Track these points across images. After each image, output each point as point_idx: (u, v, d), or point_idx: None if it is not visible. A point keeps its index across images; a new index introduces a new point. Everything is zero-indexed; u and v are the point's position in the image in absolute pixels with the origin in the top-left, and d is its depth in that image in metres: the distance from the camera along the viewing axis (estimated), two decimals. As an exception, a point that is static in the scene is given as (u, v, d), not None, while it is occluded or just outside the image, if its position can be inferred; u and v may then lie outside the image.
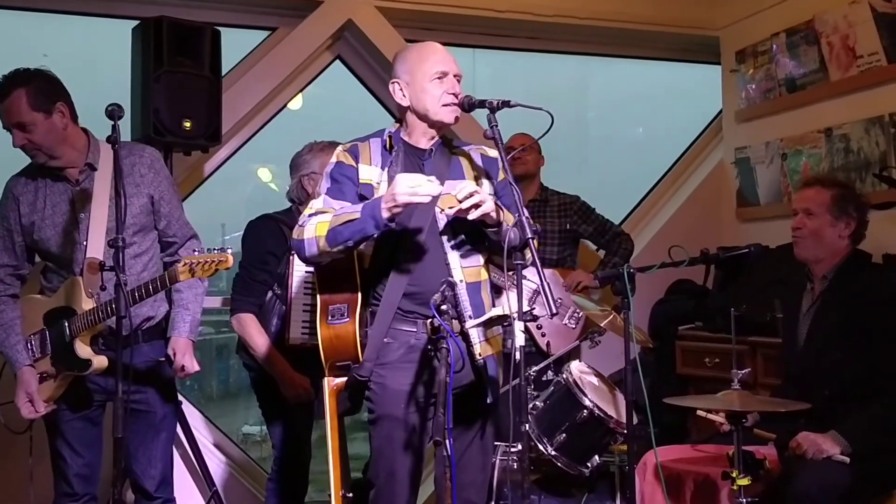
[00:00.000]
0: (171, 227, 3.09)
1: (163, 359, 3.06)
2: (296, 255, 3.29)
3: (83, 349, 2.87)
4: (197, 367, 3.07)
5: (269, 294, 3.45)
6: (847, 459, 2.86)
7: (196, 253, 2.94)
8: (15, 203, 2.97)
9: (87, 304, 2.85)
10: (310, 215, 2.53)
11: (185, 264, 2.71)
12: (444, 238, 2.60)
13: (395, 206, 2.38)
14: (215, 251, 2.72)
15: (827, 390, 2.99)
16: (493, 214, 2.47)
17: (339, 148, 2.67)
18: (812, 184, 3.22)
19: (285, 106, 4.72)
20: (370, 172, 2.61)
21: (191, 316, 3.06)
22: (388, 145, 2.65)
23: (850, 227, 3.09)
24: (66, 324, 2.89)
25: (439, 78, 2.59)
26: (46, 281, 3.03)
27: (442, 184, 2.60)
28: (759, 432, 3.15)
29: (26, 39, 4.51)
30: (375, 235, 2.46)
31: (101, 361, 2.86)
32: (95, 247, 2.90)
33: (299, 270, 3.36)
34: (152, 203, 3.02)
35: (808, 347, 3.11)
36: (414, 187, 2.36)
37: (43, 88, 2.86)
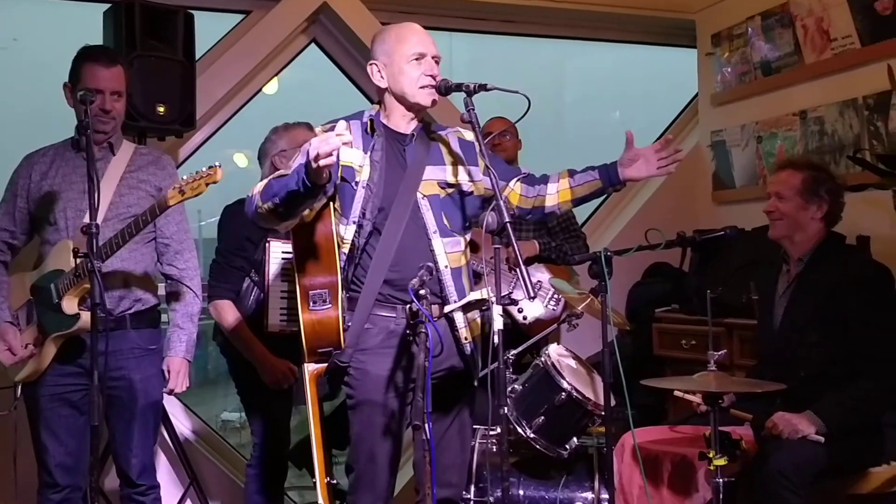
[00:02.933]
0: (168, 226, 3.08)
1: (153, 346, 3.06)
2: (271, 243, 3.32)
3: (70, 306, 2.85)
4: (186, 385, 3.11)
5: (247, 281, 3.43)
6: (822, 439, 2.90)
7: (188, 269, 3.07)
8: (28, 170, 3.03)
9: (74, 262, 2.83)
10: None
11: (175, 188, 2.71)
12: (427, 223, 2.60)
13: (312, 161, 2.28)
14: (204, 169, 2.71)
15: (803, 371, 3.02)
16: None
17: (319, 128, 2.63)
18: (785, 167, 3.23)
19: (260, 90, 4.67)
20: (352, 155, 2.59)
21: (187, 336, 3.09)
22: (369, 128, 2.63)
23: (822, 210, 3.10)
24: (54, 285, 2.88)
25: (417, 59, 2.57)
26: (38, 260, 3.02)
27: (422, 169, 2.61)
28: (735, 412, 3.18)
29: (-5, 23, 4.43)
30: (302, 193, 2.36)
31: (88, 317, 2.84)
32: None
33: (276, 257, 3.34)
34: (160, 193, 3.03)
35: (784, 329, 3.14)
36: (322, 140, 2.28)
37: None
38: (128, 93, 3.61)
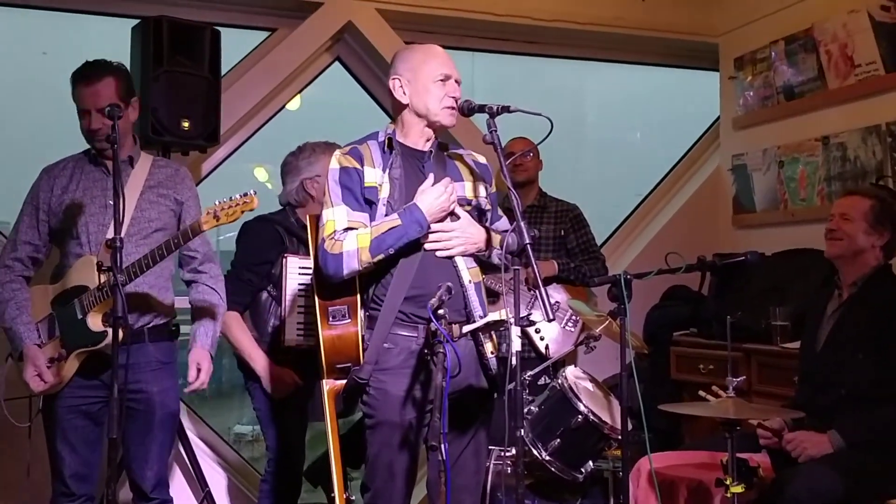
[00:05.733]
0: (194, 240, 3.07)
1: (168, 360, 3.06)
2: (288, 258, 3.33)
3: (96, 322, 2.86)
4: (206, 383, 3.10)
5: (265, 295, 3.45)
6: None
7: (212, 274, 3.05)
8: (49, 183, 3.02)
9: (101, 278, 2.83)
10: (345, 230, 2.54)
11: (209, 212, 2.70)
12: None
13: (439, 213, 2.54)
14: (238, 196, 2.71)
15: (844, 389, 3.01)
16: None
17: (338, 153, 2.66)
18: (852, 192, 3.28)
19: (284, 107, 4.71)
20: (373, 175, 2.62)
21: (212, 331, 3.10)
22: (386, 146, 2.65)
23: (884, 239, 3.10)
24: (78, 301, 2.89)
25: (442, 80, 2.61)
26: (58, 272, 3.03)
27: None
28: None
29: (26, 37, 4.49)
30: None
31: None
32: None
33: (293, 272, 3.36)
34: (179, 206, 3.06)
35: (829, 347, 3.13)
36: (442, 197, 2.54)
37: (128, 80, 3.01)
38: (150, 107, 3.67)
